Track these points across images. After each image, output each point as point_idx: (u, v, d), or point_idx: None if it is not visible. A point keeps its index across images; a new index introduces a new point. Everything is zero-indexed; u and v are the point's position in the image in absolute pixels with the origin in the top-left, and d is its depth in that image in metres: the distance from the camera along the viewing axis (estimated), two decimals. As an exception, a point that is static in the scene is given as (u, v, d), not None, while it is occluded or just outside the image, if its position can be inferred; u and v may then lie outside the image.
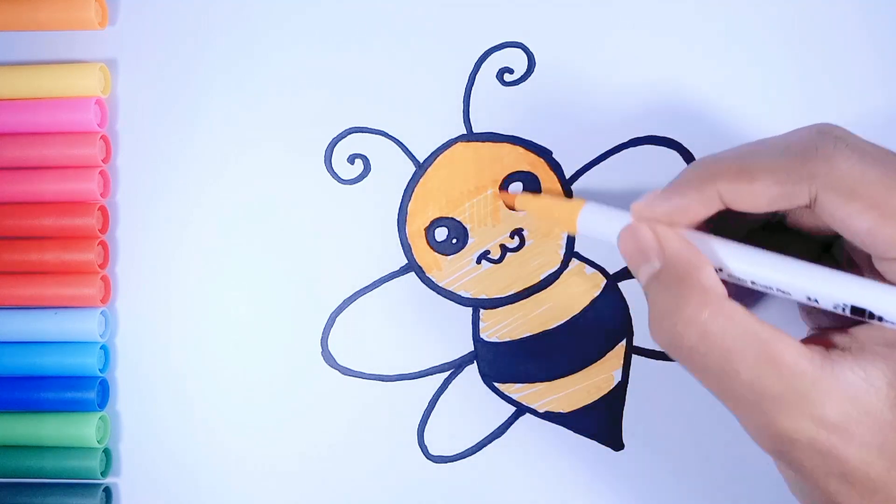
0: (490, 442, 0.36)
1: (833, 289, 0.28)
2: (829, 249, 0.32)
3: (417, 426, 0.37)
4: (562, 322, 0.36)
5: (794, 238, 0.31)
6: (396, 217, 0.37)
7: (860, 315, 0.27)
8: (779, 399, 0.27)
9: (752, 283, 0.29)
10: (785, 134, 0.29)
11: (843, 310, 0.27)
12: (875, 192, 0.27)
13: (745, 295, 0.34)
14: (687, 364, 0.29)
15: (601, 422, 0.36)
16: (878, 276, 0.28)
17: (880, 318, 0.27)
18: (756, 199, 0.28)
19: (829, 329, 0.30)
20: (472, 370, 0.37)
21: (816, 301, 0.28)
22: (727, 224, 0.31)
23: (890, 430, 0.26)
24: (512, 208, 0.36)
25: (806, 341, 0.28)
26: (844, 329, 0.29)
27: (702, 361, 0.28)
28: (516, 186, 0.37)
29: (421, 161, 0.37)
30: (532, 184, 0.37)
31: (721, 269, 0.29)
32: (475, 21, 0.37)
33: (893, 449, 0.26)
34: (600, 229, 0.32)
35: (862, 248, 0.28)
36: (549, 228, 0.36)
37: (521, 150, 0.37)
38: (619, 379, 0.36)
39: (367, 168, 0.37)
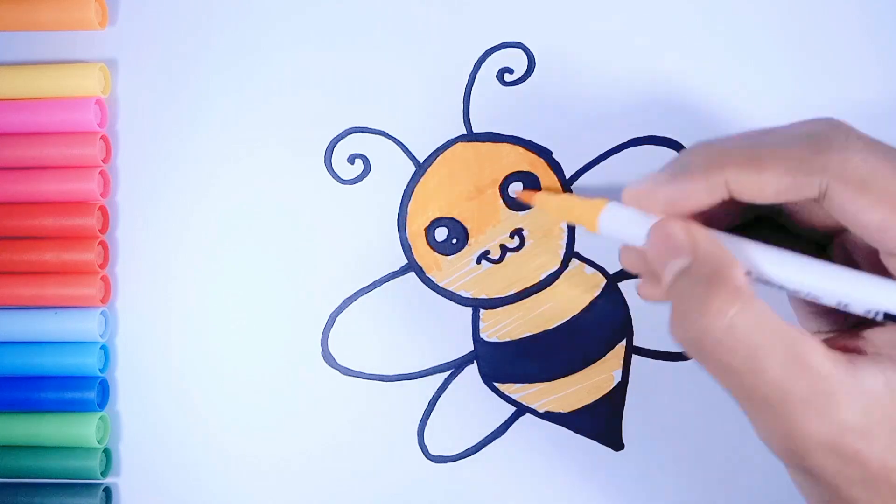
0: (490, 442, 0.36)
1: (870, 294, 0.27)
2: (825, 249, 0.31)
3: (417, 426, 0.37)
4: (562, 322, 0.36)
5: (785, 236, 0.31)
6: (396, 217, 0.37)
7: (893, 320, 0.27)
8: (804, 401, 0.26)
9: (781, 286, 0.28)
10: (793, 124, 0.29)
11: (876, 315, 0.27)
12: (887, 185, 0.26)
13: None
14: (709, 361, 0.28)
15: (601, 422, 0.36)
16: (883, 273, 0.28)
17: None
18: (764, 188, 0.28)
19: (841, 332, 0.29)
20: (472, 370, 0.37)
21: (847, 306, 0.27)
22: (720, 217, 0.30)
23: None
24: (522, 207, 0.36)
25: (825, 343, 0.28)
26: (856, 332, 0.28)
27: (726, 358, 0.27)
28: (515, 186, 0.37)
29: (421, 161, 0.37)
30: (532, 184, 0.37)
31: (749, 272, 0.29)
32: (475, 21, 0.37)
33: None
34: (622, 229, 0.31)
35: (871, 243, 0.27)
36: (549, 228, 0.36)
37: (521, 150, 0.37)
38: (619, 379, 0.36)
39: (367, 168, 0.37)
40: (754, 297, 0.27)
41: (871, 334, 0.28)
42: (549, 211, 0.35)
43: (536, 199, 0.35)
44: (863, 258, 0.29)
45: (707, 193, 0.29)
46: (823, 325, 0.31)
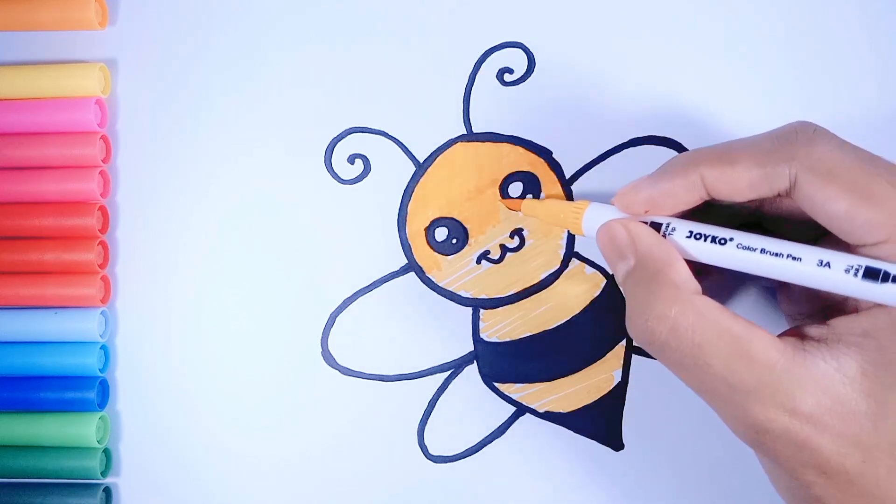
0: (490, 442, 0.36)
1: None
2: None
3: (417, 426, 0.37)
4: (562, 322, 0.36)
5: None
6: (396, 217, 0.37)
7: (874, 278, 0.27)
8: (751, 391, 0.27)
9: (763, 250, 0.29)
10: (767, 131, 0.30)
11: (857, 272, 0.27)
12: (853, 175, 0.27)
13: (727, 287, 0.34)
14: (661, 359, 0.29)
15: (601, 422, 0.36)
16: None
17: (894, 279, 0.27)
18: (737, 182, 0.29)
19: (807, 321, 0.30)
20: (472, 370, 0.37)
21: (828, 265, 0.27)
22: (709, 222, 0.31)
23: (864, 421, 0.26)
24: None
25: (782, 335, 0.28)
26: (821, 321, 0.29)
27: (674, 356, 0.28)
28: (517, 187, 0.37)
29: (421, 161, 0.37)
30: (532, 184, 0.37)
31: (724, 241, 0.29)
32: (475, 21, 0.37)
33: (868, 440, 0.26)
34: None
35: (839, 235, 0.28)
36: (549, 228, 0.36)
37: (521, 150, 0.37)
38: (619, 379, 0.36)
39: (367, 168, 0.37)
40: (696, 293, 0.29)
41: (836, 322, 0.28)
42: (536, 217, 0.36)
43: (523, 206, 0.36)
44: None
45: (685, 191, 0.30)
46: (804, 310, 0.32)
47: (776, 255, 0.28)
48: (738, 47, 0.36)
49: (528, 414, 0.36)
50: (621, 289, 0.31)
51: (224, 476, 0.37)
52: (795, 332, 0.29)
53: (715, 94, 0.36)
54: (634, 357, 0.36)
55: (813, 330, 0.28)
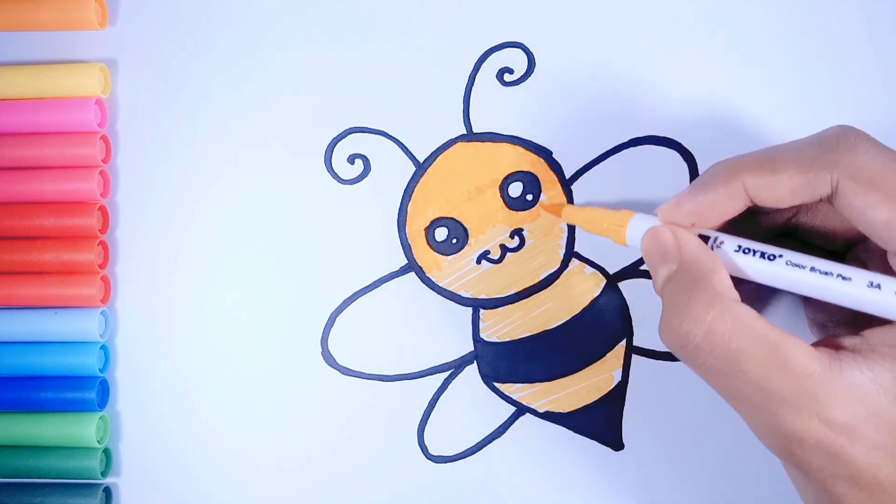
0: (490, 442, 0.36)
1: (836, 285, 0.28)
2: (842, 260, 0.32)
3: (417, 426, 0.37)
4: (562, 322, 0.36)
5: (807, 250, 0.31)
6: (396, 217, 0.37)
7: None
8: (787, 400, 0.27)
9: (788, 263, 0.29)
10: (808, 135, 0.30)
11: (880, 287, 0.27)
12: (895, 183, 0.27)
13: (761, 298, 0.34)
14: (694, 364, 0.29)
15: (601, 422, 0.36)
16: (893, 274, 0.28)
17: None
18: (779, 189, 0.29)
19: (840, 331, 0.30)
20: (472, 370, 0.37)
21: (879, 286, 0.27)
22: (744, 233, 0.31)
23: None
24: (522, 207, 0.36)
25: (817, 344, 0.28)
26: (854, 332, 0.29)
27: (708, 361, 0.28)
28: (517, 187, 0.37)
29: (421, 161, 0.37)
30: (532, 184, 0.37)
31: (755, 253, 0.29)
32: (475, 21, 0.37)
33: None
34: None
35: (879, 243, 0.28)
36: (549, 228, 0.36)
37: (521, 150, 0.37)
38: (619, 379, 0.36)
39: (367, 168, 0.37)
40: (736, 301, 0.28)
41: (870, 333, 0.28)
42: (578, 224, 0.36)
43: (564, 212, 0.35)
44: (877, 264, 0.30)
45: (728, 200, 0.30)
46: (831, 328, 0.32)
47: (825, 273, 0.28)
48: (738, 47, 0.36)
49: (528, 414, 0.36)
50: (659, 294, 0.30)
51: (224, 476, 0.37)
52: (829, 342, 0.28)
53: (715, 93, 0.36)
54: (634, 357, 0.36)
55: (847, 340, 0.28)
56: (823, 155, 0.28)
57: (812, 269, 0.28)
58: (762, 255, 0.29)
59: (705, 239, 0.30)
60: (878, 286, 0.27)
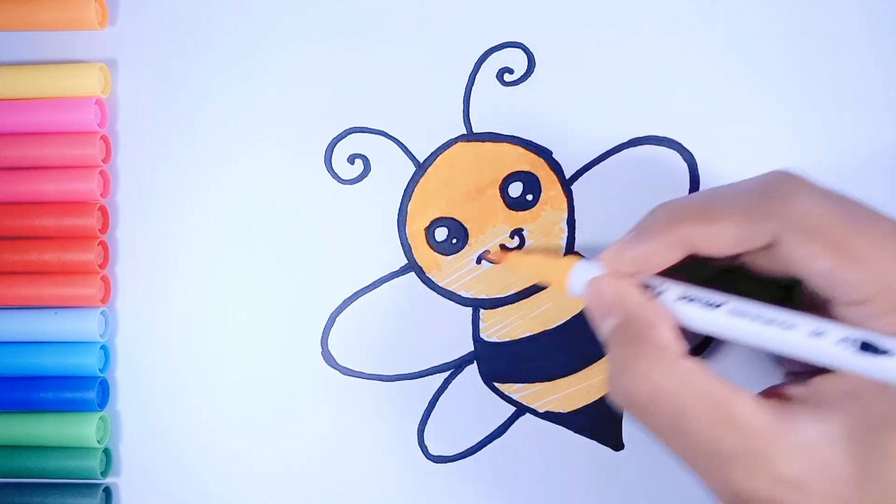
0: (490, 442, 0.36)
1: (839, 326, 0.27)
2: (791, 295, 0.31)
3: (417, 426, 0.37)
4: (562, 322, 0.36)
5: (754, 284, 0.30)
6: (396, 217, 0.37)
7: (871, 351, 0.26)
8: (735, 457, 0.26)
9: (731, 311, 0.28)
10: (748, 178, 0.29)
11: (852, 345, 0.26)
12: (835, 233, 0.26)
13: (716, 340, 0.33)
14: (642, 422, 0.28)
15: (601, 422, 0.36)
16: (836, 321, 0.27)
17: (888, 353, 0.26)
18: (719, 240, 0.28)
19: (792, 380, 0.29)
20: (472, 370, 0.37)
21: (822, 335, 0.27)
22: (690, 271, 0.30)
23: (849, 485, 0.26)
24: (522, 207, 0.36)
25: (765, 393, 0.28)
26: (807, 380, 0.28)
27: (655, 422, 0.28)
28: (517, 187, 0.37)
29: (421, 161, 0.37)
30: (532, 184, 0.37)
31: (718, 307, 0.29)
32: (475, 21, 0.37)
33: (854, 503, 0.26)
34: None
35: (820, 292, 0.27)
36: (549, 228, 0.36)
37: (521, 150, 0.37)
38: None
39: (367, 168, 0.37)
40: (680, 356, 0.28)
41: (820, 381, 0.28)
42: (519, 272, 0.35)
43: (508, 259, 0.35)
44: (823, 305, 0.28)
45: (669, 250, 0.29)
46: (797, 367, 0.31)
47: (769, 322, 0.28)
48: (738, 47, 0.36)
49: (528, 414, 0.36)
50: (605, 347, 0.30)
51: (224, 476, 0.37)
52: (778, 392, 0.28)
53: (715, 93, 0.36)
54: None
55: (797, 389, 0.28)
56: (763, 204, 0.27)
57: (755, 317, 0.28)
58: (705, 303, 0.29)
59: (649, 287, 0.30)
60: (822, 335, 0.27)
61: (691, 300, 0.29)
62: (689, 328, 0.29)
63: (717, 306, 0.28)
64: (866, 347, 0.26)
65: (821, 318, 0.27)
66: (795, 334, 0.27)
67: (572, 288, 0.32)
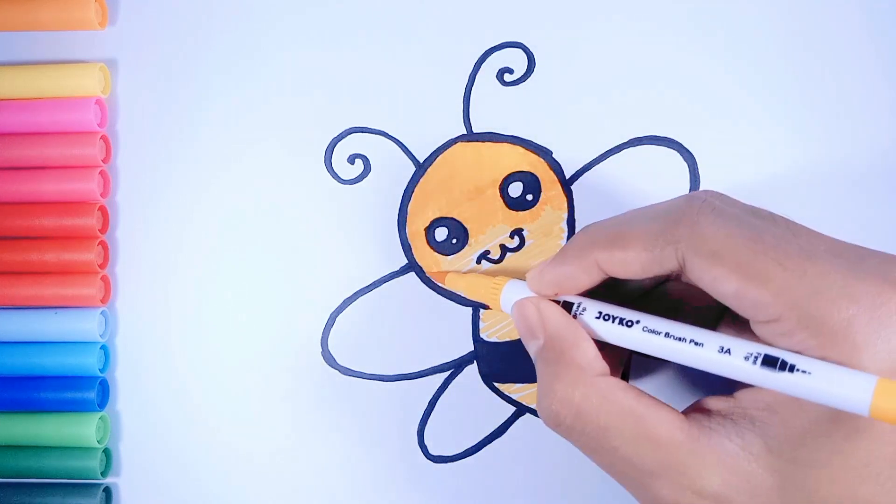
0: (490, 442, 0.36)
1: (744, 342, 0.27)
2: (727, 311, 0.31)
3: (417, 426, 0.37)
4: (562, 322, 0.36)
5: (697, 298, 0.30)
6: (396, 217, 0.37)
7: (772, 366, 0.26)
8: (657, 472, 0.27)
9: (667, 334, 0.28)
10: (662, 202, 0.29)
11: (756, 360, 0.26)
12: (739, 254, 0.26)
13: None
14: (570, 440, 0.29)
15: (601, 422, 0.36)
16: (756, 339, 0.27)
17: (791, 368, 0.26)
18: (629, 265, 0.28)
19: (719, 393, 0.29)
20: (472, 370, 0.37)
21: (729, 352, 0.27)
22: (619, 289, 0.31)
23: (771, 497, 0.26)
24: (523, 207, 0.36)
25: (692, 408, 0.29)
26: (728, 394, 0.28)
27: (580, 440, 0.28)
28: (517, 187, 0.37)
29: (421, 161, 0.37)
30: (532, 184, 0.37)
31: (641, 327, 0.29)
32: (475, 21, 0.37)
33: None
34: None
35: (736, 311, 0.27)
36: (549, 228, 0.36)
37: (521, 149, 0.37)
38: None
39: (367, 168, 0.37)
40: (601, 374, 0.28)
41: (742, 395, 0.28)
42: (459, 290, 0.36)
43: (447, 279, 0.36)
44: (745, 320, 0.28)
45: (584, 274, 0.30)
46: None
47: (679, 339, 0.28)
48: (738, 47, 0.36)
49: (528, 414, 0.36)
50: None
51: (224, 476, 0.37)
52: (700, 407, 0.28)
53: (715, 93, 0.36)
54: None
55: (719, 403, 0.28)
56: (668, 230, 0.28)
57: (666, 334, 0.28)
58: (620, 321, 0.29)
59: (569, 306, 0.30)
60: (729, 351, 0.27)
61: (607, 318, 0.29)
62: (611, 343, 0.30)
63: (631, 325, 0.29)
64: (769, 363, 0.26)
65: (729, 336, 0.27)
66: (705, 351, 0.27)
67: (504, 308, 0.33)
